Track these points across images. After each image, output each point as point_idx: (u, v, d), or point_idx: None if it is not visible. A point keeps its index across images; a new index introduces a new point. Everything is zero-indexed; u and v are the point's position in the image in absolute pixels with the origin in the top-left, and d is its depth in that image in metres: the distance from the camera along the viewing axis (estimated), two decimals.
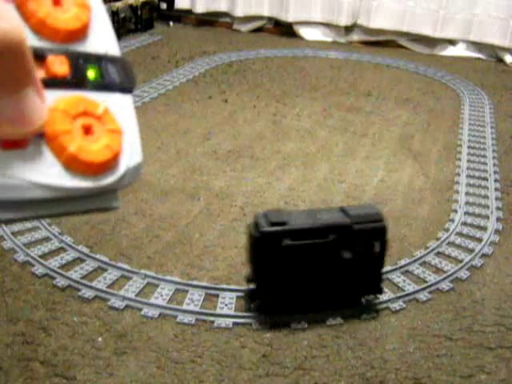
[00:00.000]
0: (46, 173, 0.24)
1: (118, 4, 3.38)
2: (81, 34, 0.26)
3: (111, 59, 0.27)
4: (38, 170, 0.23)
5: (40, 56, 0.24)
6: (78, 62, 0.25)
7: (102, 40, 0.27)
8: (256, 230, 1.16)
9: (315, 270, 1.21)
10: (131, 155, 0.26)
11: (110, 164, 0.25)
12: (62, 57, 0.25)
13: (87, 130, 0.25)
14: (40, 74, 0.24)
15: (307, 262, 1.19)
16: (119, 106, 0.26)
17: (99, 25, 0.27)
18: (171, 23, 3.90)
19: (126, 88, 0.27)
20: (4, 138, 0.23)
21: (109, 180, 0.25)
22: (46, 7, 0.25)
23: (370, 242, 1.20)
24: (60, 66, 0.24)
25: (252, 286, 1.24)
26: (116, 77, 0.27)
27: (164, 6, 3.98)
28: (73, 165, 0.24)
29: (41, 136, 0.24)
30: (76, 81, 0.25)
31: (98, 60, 0.26)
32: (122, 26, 3.47)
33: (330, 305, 1.26)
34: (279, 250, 1.15)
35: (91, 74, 0.26)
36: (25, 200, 0.23)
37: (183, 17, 3.94)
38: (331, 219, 1.18)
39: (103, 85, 0.26)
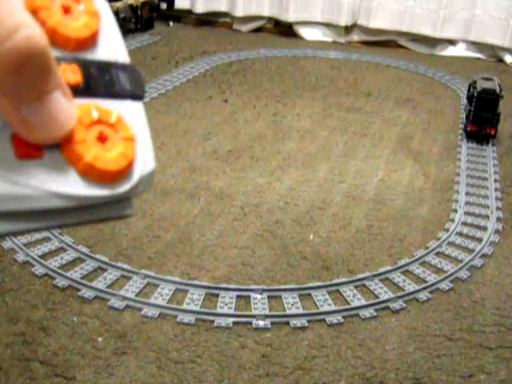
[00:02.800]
0: (62, 182, 0.23)
1: (118, 4, 3.38)
2: (91, 41, 0.26)
3: (122, 67, 0.27)
4: (54, 179, 0.23)
5: None
6: (90, 70, 0.25)
7: (112, 48, 0.27)
8: None
9: None
10: (145, 163, 0.26)
11: (125, 172, 0.25)
12: (74, 65, 0.25)
13: (102, 139, 0.24)
14: None
15: None
16: (131, 114, 0.26)
17: (109, 33, 0.27)
18: (171, 23, 3.90)
19: (137, 95, 0.27)
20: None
21: (124, 188, 0.25)
22: (57, 16, 0.25)
23: None
24: (73, 75, 0.24)
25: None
26: (127, 84, 0.27)
27: (164, 5, 3.98)
28: (89, 173, 0.24)
29: (56, 145, 0.24)
30: (88, 89, 0.25)
31: (109, 68, 0.26)
32: (122, 26, 3.46)
33: None
34: None
35: (103, 81, 0.26)
36: (41, 210, 0.23)
37: (183, 17, 3.94)
38: None
39: (115, 92, 0.26)
